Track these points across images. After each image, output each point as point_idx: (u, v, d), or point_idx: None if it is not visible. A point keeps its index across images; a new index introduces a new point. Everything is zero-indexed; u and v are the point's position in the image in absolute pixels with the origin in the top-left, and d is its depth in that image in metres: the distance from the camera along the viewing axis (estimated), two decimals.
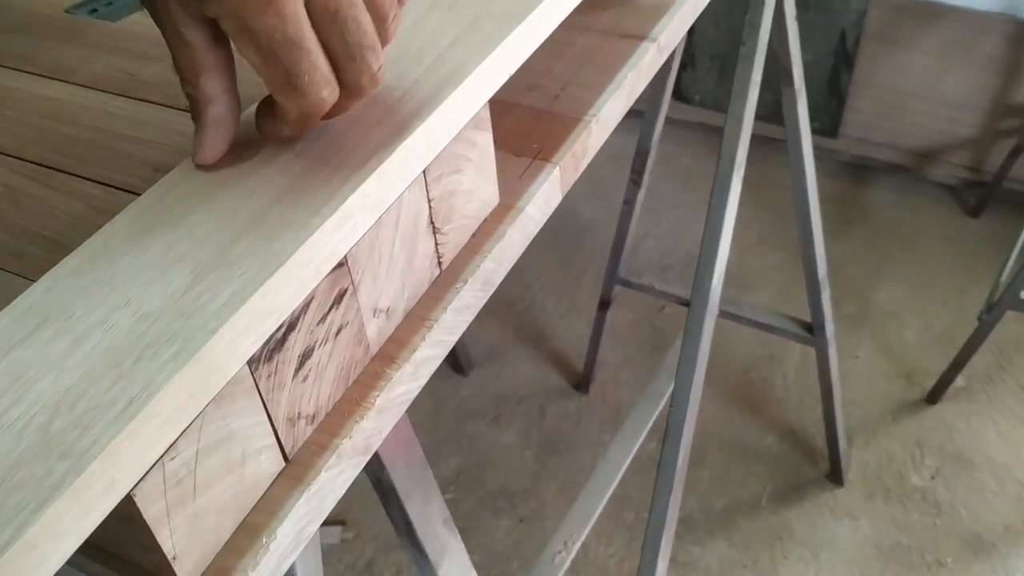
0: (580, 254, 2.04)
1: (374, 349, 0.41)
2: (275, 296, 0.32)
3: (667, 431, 1.00)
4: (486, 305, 0.48)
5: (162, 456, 0.29)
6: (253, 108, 0.39)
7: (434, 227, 0.43)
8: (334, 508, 0.39)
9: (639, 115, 1.22)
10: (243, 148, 0.38)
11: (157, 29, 0.35)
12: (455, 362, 1.78)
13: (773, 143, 1.92)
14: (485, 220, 0.48)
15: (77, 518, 0.26)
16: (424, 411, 1.73)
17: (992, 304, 1.49)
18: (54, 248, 0.41)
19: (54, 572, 0.26)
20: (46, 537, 0.25)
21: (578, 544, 1.09)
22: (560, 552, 1.09)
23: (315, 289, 0.35)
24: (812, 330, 1.32)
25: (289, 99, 0.34)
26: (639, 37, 0.63)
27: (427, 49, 0.42)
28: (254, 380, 0.33)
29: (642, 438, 1.21)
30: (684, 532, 1.49)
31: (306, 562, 0.49)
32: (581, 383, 1.75)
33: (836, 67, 2.05)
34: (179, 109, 0.48)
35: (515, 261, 0.49)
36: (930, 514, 1.48)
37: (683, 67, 2.21)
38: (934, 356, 1.72)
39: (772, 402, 1.69)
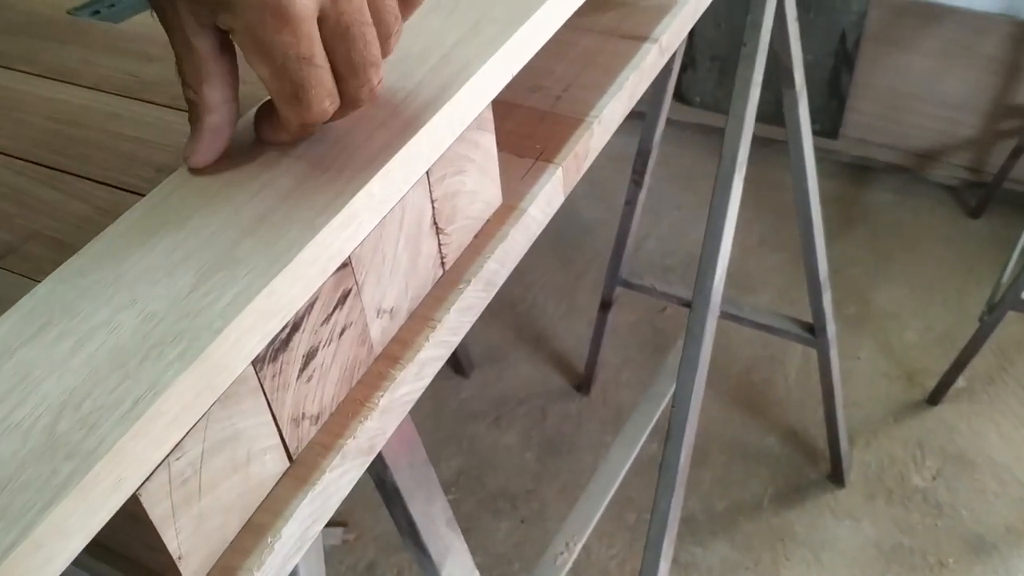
0: (581, 255, 2.04)
1: (378, 349, 0.41)
2: (280, 296, 0.32)
3: (669, 432, 1.00)
4: (487, 306, 0.48)
5: (168, 456, 0.30)
6: (252, 108, 0.39)
7: (437, 228, 0.43)
8: (336, 509, 0.39)
9: (640, 116, 1.22)
10: (247, 149, 0.38)
11: (160, 30, 0.35)
12: (456, 363, 1.78)
13: (774, 144, 1.92)
14: (488, 221, 0.48)
15: (83, 518, 0.26)
16: (425, 412, 1.73)
17: (993, 305, 1.49)
18: (59, 249, 0.41)
19: (60, 572, 0.26)
20: (52, 537, 0.25)
21: (580, 545, 1.09)
22: (562, 553, 1.09)
23: (320, 289, 0.35)
24: (814, 331, 1.32)
25: (293, 111, 0.34)
26: (641, 38, 0.63)
27: (430, 50, 0.42)
28: (259, 380, 0.33)
29: (643, 439, 1.22)
30: (686, 533, 1.49)
31: (309, 563, 0.49)
32: (582, 384, 1.75)
33: (836, 68, 2.05)
34: (182, 110, 0.48)
35: (518, 262, 0.49)
36: (931, 515, 1.48)
37: (683, 68, 2.21)
38: (935, 357, 1.72)
39: (773, 403, 1.69)
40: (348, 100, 0.35)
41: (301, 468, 0.37)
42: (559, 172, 0.51)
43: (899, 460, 1.57)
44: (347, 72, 0.34)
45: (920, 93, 2.00)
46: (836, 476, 1.54)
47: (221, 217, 0.35)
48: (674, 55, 1.16)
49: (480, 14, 0.45)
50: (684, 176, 2.21)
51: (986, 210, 2.02)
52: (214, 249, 0.33)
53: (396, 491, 0.50)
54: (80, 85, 0.52)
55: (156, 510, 0.30)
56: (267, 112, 0.36)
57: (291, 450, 0.37)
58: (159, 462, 0.29)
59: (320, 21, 0.33)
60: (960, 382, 1.63)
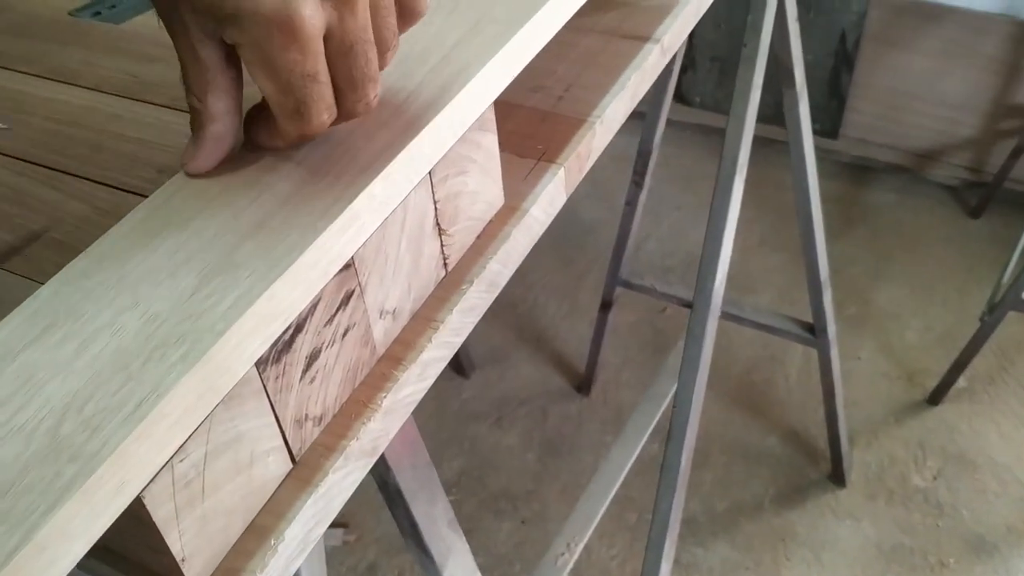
0: (582, 255, 2.04)
1: (380, 350, 0.41)
2: (282, 298, 0.32)
3: (670, 433, 1.00)
4: (488, 306, 0.48)
5: (171, 458, 0.29)
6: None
7: (440, 228, 0.43)
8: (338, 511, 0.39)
9: (640, 117, 1.22)
10: (248, 151, 0.38)
11: (161, 31, 0.35)
12: (457, 364, 1.78)
13: (774, 144, 1.92)
14: (490, 221, 0.48)
15: (87, 521, 0.26)
16: (426, 413, 1.73)
17: (994, 305, 1.49)
18: (60, 249, 0.41)
19: (64, 575, 0.26)
20: (56, 540, 0.25)
21: (581, 546, 1.09)
22: (563, 554, 1.08)
23: (322, 291, 0.35)
24: (814, 331, 1.32)
25: (293, 124, 0.34)
26: (642, 38, 0.63)
27: (431, 51, 0.42)
28: (262, 382, 0.33)
29: (644, 440, 1.21)
30: (687, 533, 1.49)
31: (311, 565, 0.49)
32: (583, 385, 1.75)
33: (836, 68, 2.05)
34: (183, 111, 0.48)
35: (520, 262, 0.49)
36: (932, 515, 1.48)
37: (683, 69, 2.21)
38: (935, 357, 1.72)
39: (774, 403, 1.69)
40: (345, 112, 0.36)
41: (304, 470, 0.37)
42: (561, 172, 0.51)
43: (900, 460, 1.57)
44: (346, 87, 0.35)
45: (920, 93, 2.00)
46: (837, 476, 1.54)
47: (223, 219, 0.35)
48: (674, 56, 1.16)
49: (480, 14, 0.44)
50: (684, 176, 2.21)
51: (986, 210, 2.02)
52: (216, 251, 0.33)
53: (398, 492, 0.50)
54: (81, 86, 0.52)
55: (159, 512, 0.30)
56: (261, 118, 0.36)
57: (294, 452, 0.37)
58: (162, 464, 0.29)
59: (325, 38, 0.33)
60: (961, 382, 1.63)
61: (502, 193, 0.48)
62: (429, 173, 0.41)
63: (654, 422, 1.23)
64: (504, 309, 1.92)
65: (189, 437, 0.30)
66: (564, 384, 1.77)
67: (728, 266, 0.99)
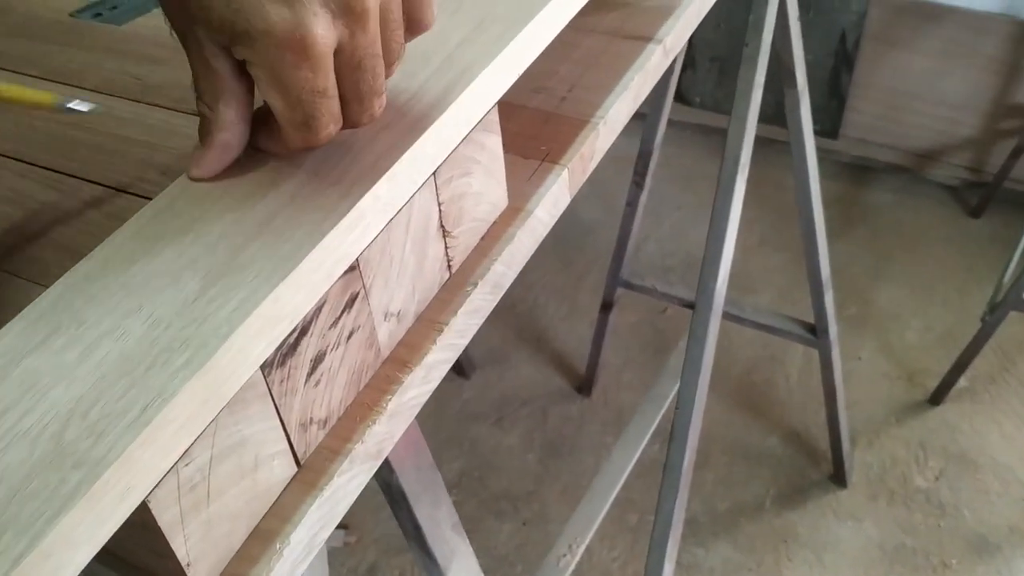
0: (582, 256, 2.04)
1: (385, 353, 0.41)
2: (287, 300, 0.32)
3: (673, 434, 1.00)
4: None
5: (176, 462, 0.29)
6: None
7: (444, 230, 0.43)
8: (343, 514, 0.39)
9: (640, 117, 1.22)
10: (251, 153, 0.37)
11: (163, 33, 0.35)
12: (457, 365, 1.78)
13: (774, 144, 1.92)
14: (494, 223, 0.48)
15: (92, 527, 0.26)
16: (426, 414, 1.72)
17: (995, 305, 1.49)
18: (63, 252, 0.41)
19: None
20: (61, 546, 0.25)
21: (583, 547, 1.09)
22: (565, 555, 1.08)
23: (327, 293, 0.35)
24: (815, 332, 1.32)
25: (299, 135, 0.34)
26: (645, 39, 0.63)
27: (434, 51, 0.42)
28: (267, 385, 0.33)
29: (645, 441, 1.21)
30: (688, 534, 1.49)
31: (312, 566, 0.49)
32: (583, 385, 1.75)
33: (836, 68, 2.05)
34: (186, 113, 0.48)
35: (524, 264, 0.49)
36: (934, 515, 1.48)
37: (683, 69, 2.21)
38: (936, 357, 1.72)
39: (775, 404, 1.68)
40: (349, 123, 0.36)
41: (309, 473, 0.36)
42: (565, 173, 0.51)
43: (901, 461, 1.57)
44: (353, 99, 0.35)
45: (920, 93, 2.00)
46: (838, 477, 1.54)
47: (227, 221, 0.34)
48: (675, 56, 1.15)
49: (484, 14, 0.44)
50: (684, 177, 2.21)
51: (986, 210, 2.02)
52: (219, 254, 0.33)
53: (402, 495, 0.50)
54: (84, 88, 0.52)
55: (165, 517, 0.30)
56: (266, 124, 0.36)
57: (299, 455, 0.36)
58: (168, 469, 0.29)
59: (334, 53, 0.33)
60: (962, 382, 1.63)
61: (506, 194, 0.48)
62: (433, 174, 0.40)
63: (655, 423, 1.23)
64: (504, 310, 1.91)
65: (194, 442, 0.30)
66: (564, 385, 1.77)
67: (730, 266, 0.99)
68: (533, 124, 0.55)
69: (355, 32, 0.33)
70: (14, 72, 0.54)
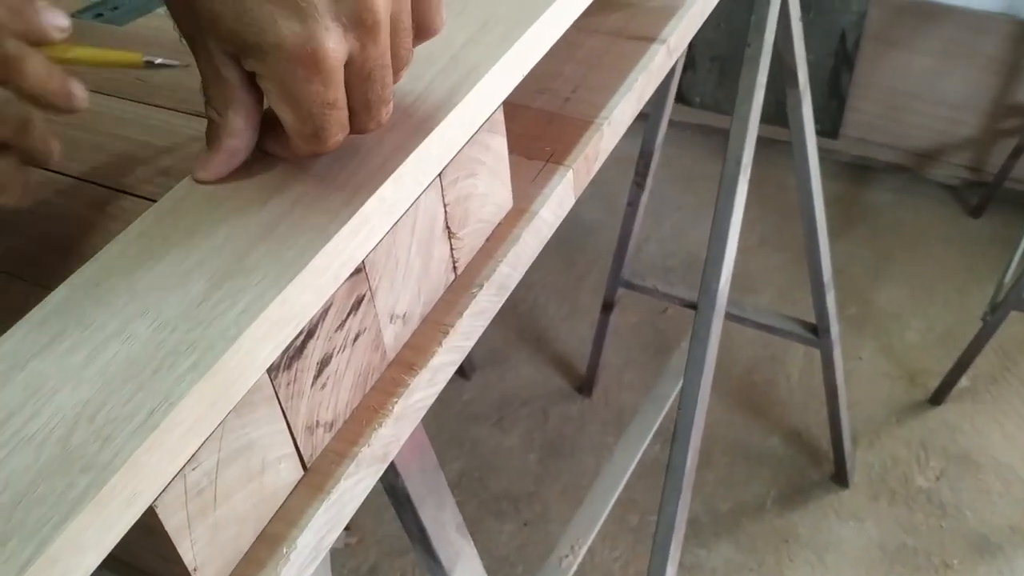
0: (582, 256, 2.04)
1: (391, 355, 0.41)
2: (293, 303, 0.32)
3: (675, 434, 1.00)
4: None
5: (183, 467, 0.29)
6: None
7: (449, 231, 0.43)
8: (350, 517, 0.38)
9: (642, 117, 1.22)
10: (257, 155, 0.37)
11: (164, 32, 0.35)
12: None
13: (774, 144, 1.92)
14: (499, 224, 0.48)
15: (99, 532, 0.26)
16: (427, 415, 1.71)
17: (996, 305, 1.48)
18: (65, 254, 0.40)
19: None
20: (68, 552, 0.25)
21: (585, 548, 1.08)
22: (567, 556, 1.08)
23: (333, 296, 0.35)
24: (817, 332, 1.32)
25: (308, 145, 0.34)
26: (648, 39, 0.62)
27: (440, 52, 0.42)
28: (274, 388, 0.33)
29: (647, 442, 1.21)
30: (690, 535, 1.49)
31: (316, 568, 0.49)
32: (584, 386, 1.74)
33: (836, 68, 2.05)
34: (189, 113, 0.48)
35: (529, 265, 0.49)
36: (935, 516, 1.48)
37: (683, 69, 2.20)
38: (937, 357, 1.71)
39: (776, 404, 1.68)
40: (356, 130, 0.36)
41: (316, 476, 0.36)
42: (570, 174, 0.51)
43: (902, 461, 1.57)
44: (361, 108, 0.35)
45: (920, 92, 2.00)
46: (839, 477, 1.54)
47: (232, 223, 0.34)
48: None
49: (488, 14, 0.44)
50: (684, 177, 2.20)
51: (987, 209, 2.01)
52: (226, 257, 0.33)
53: (407, 498, 0.50)
54: (85, 88, 0.51)
55: (172, 521, 0.29)
56: (273, 129, 0.36)
57: (305, 458, 0.36)
58: (175, 473, 0.28)
59: (347, 66, 0.33)
60: (963, 382, 1.63)
61: (511, 195, 0.48)
62: (439, 176, 0.40)
63: (657, 424, 1.23)
64: (505, 310, 1.91)
65: (201, 445, 0.29)
66: (565, 385, 1.76)
67: (733, 267, 0.99)
68: (537, 125, 0.55)
69: (366, 44, 0.32)
70: None
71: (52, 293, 0.32)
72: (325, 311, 0.35)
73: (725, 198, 0.96)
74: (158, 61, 0.38)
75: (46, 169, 0.45)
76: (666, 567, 0.99)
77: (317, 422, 0.36)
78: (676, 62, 1.23)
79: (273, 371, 0.33)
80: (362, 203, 0.34)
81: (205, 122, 0.36)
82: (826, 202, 1.21)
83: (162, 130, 0.48)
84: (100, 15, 0.60)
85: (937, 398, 1.64)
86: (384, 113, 0.35)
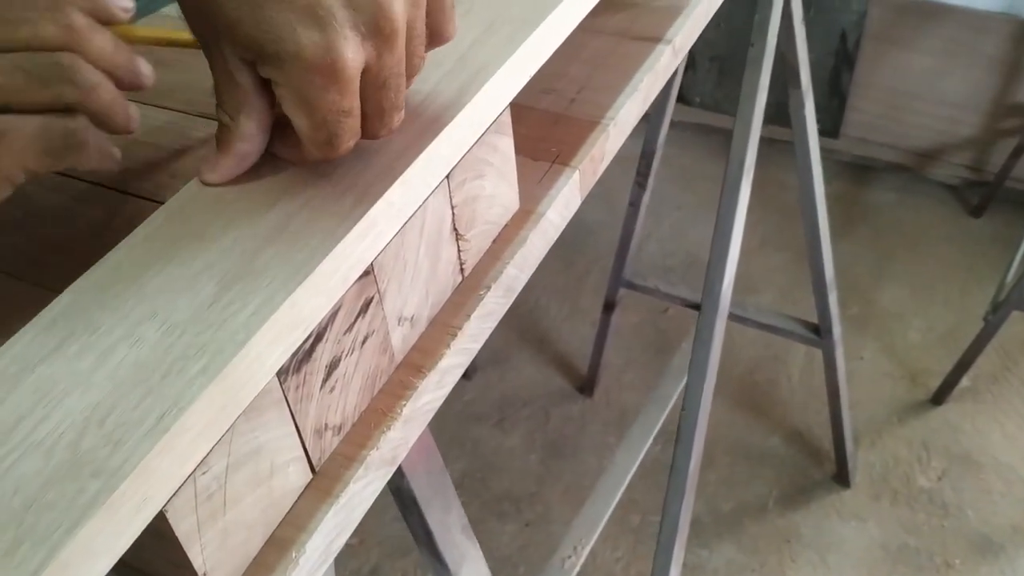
0: (583, 257, 2.04)
1: (399, 358, 0.40)
2: (303, 306, 0.32)
3: (678, 436, 1.00)
4: None
5: (193, 471, 0.29)
6: None
7: (457, 233, 0.42)
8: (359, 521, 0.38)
9: (644, 117, 1.21)
10: (265, 156, 0.37)
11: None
12: None
13: (775, 144, 1.92)
14: (506, 225, 0.47)
15: (110, 537, 0.26)
16: None
17: (998, 304, 1.48)
18: (71, 256, 0.40)
19: None
20: (80, 558, 0.25)
21: (588, 549, 1.08)
22: (570, 557, 1.08)
23: (342, 298, 0.35)
24: (819, 332, 1.32)
25: (320, 151, 0.34)
26: (654, 39, 0.62)
27: (447, 53, 0.42)
28: (283, 392, 0.33)
29: (649, 442, 1.21)
30: (691, 535, 1.49)
31: None
32: (585, 386, 1.74)
33: (837, 67, 2.05)
34: (195, 115, 0.48)
35: (536, 267, 0.49)
36: (937, 515, 1.48)
37: (683, 69, 2.21)
38: (938, 357, 1.71)
39: (777, 404, 1.68)
40: (367, 135, 0.36)
41: (324, 480, 0.36)
42: (576, 175, 0.51)
43: (904, 460, 1.57)
44: (374, 115, 0.35)
45: (921, 92, 2.00)
46: (841, 477, 1.54)
47: (240, 226, 0.34)
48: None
49: (495, 15, 0.44)
50: (684, 176, 2.20)
51: (987, 209, 2.02)
52: (234, 259, 0.33)
53: (413, 500, 0.49)
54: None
55: (182, 526, 0.29)
56: (284, 134, 0.36)
57: (314, 462, 0.36)
58: (185, 478, 0.28)
59: (363, 74, 0.33)
60: (964, 382, 1.63)
61: (517, 197, 0.48)
62: (447, 177, 0.40)
63: (659, 424, 1.23)
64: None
65: (211, 450, 0.29)
66: (566, 385, 1.76)
67: (737, 268, 0.98)
68: (543, 126, 0.55)
69: (383, 53, 0.32)
70: None
71: (59, 296, 0.32)
72: (334, 314, 0.35)
73: (728, 198, 0.96)
74: None
75: (57, 172, 0.45)
76: (670, 568, 0.99)
77: (325, 425, 0.36)
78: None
79: (282, 374, 0.33)
80: (371, 205, 0.34)
81: (214, 124, 0.35)
82: (827, 202, 1.21)
83: (169, 132, 0.47)
84: None
85: (938, 398, 1.64)
86: (396, 120, 0.35)
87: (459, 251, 0.43)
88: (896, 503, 1.50)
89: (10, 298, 0.39)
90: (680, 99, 2.26)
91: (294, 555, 0.34)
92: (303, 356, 0.33)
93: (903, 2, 1.92)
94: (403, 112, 0.36)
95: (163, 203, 0.36)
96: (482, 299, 0.43)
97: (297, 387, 0.34)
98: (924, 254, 1.95)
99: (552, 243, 0.50)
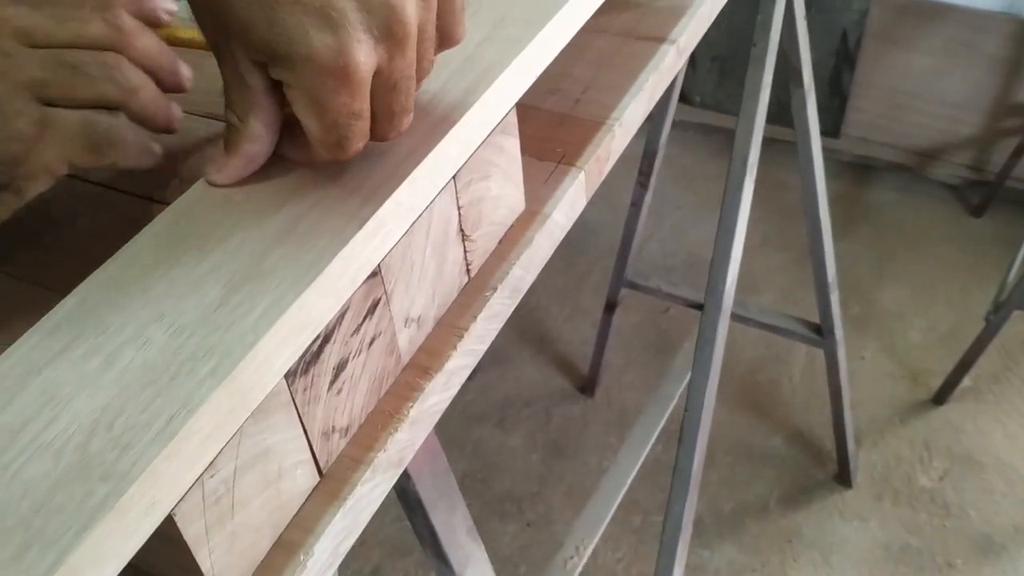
0: (584, 257, 2.03)
1: (405, 359, 0.40)
2: (311, 308, 0.31)
3: (682, 436, 1.00)
4: None
5: (202, 474, 0.29)
6: None
7: (463, 234, 0.42)
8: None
9: (647, 118, 1.21)
10: (272, 157, 0.37)
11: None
12: None
13: (775, 143, 1.91)
14: (512, 226, 0.47)
15: (119, 541, 0.25)
16: None
17: (999, 304, 1.48)
18: (81, 260, 0.40)
19: None
20: (89, 562, 0.25)
21: (590, 549, 1.08)
22: (572, 557, 1.08)
23: (350, 299, 0.35)
24: (821, 332, 1.32)
25: (330, 153, 0.34)
26: (658, 39, 0.62)
27: (454, 53, 0.42)
28: (291, 394, 0.33)
29: (651, 442, 1.21)
30: (693, 535, 1.48)
31: None
32: (586, 386, 1.74)
33: (838, 67, 2.04)
34: (201, 116, 0.48)
35: (541, 268, 0.49)
36: (939, 515, 1.48)
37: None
38: (939, 357, 1.71)
39: (779, 404, 1.68)
40: (376, 137, 0.36)
41: (331, 483, 0.36)
42: (581, 176, 0.51)
43: (906, 460, 1.56)
44: (384, 117, 0.34)
45: (922, 92, 2.00)
46: (843, 477, 1.53)
47: (247, 227, 0.34)
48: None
49: (502, 14, 0.44)
50: (685, 176, 2.20)
51: (988, 209, 2.01)
52: (241, 261, 0.32)
53: (418, 502, 0.49)
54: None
55: (190, 530, 0.29)
56: (293, 135, 0.36)
57: (321, 464, 0.36)
58: (193, 481, 0.28)
59: (374, 77, 0.33)
60: (966, 382, 1.63)
61: (523, 198, 0.48)
62: (453, 178, 0.40)
63: (661, 425, 1.22)
64: None
65: (219, 452, 0.29)
66: (567, 385, 1.76)
67: (739, 268, 0.98)
68: (548, 126, 0.55)
69: (394, 56, 0.32)
70: None
71: (66, 298, 0.32)
72: (342, 315, 0.35)
73: (731, 198, 0.96)
74: None
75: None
76: (673, 569, 0.99)
77: (333, 427, 0.36)
78: None
79: (290, 376, 0.32)
80: (380, 205, 0.34)
81: (218, 125, 0.35)
82: (828, 202, 1.20)
83: (176, 133, 0.47)
84: None
85: (940, 398, 1.64)
86: (406, 122, 0.35)
87: (465, 252, 0.43)
88: (898, 503, 1.50)
89: (14, 299, 0.39)
90: (681, 99, 2.25)
91: (302, 558, 0.33)
92: (311, 358, 0.33)
93: (904, 2, 1.92)
94: (412, 114, 0.36)
95: (167, 204, 0.36)
96: (488, 300, 0.43)
97: (305, 389, 0.33)
98: (925, 254, 1.95)
99: (558, 244, 0.50)
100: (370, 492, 0.37)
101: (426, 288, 0.40)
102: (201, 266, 0.32)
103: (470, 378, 1.55)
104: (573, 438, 1.67)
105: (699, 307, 0.99)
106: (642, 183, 1.34)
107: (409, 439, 0.39)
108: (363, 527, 0.37)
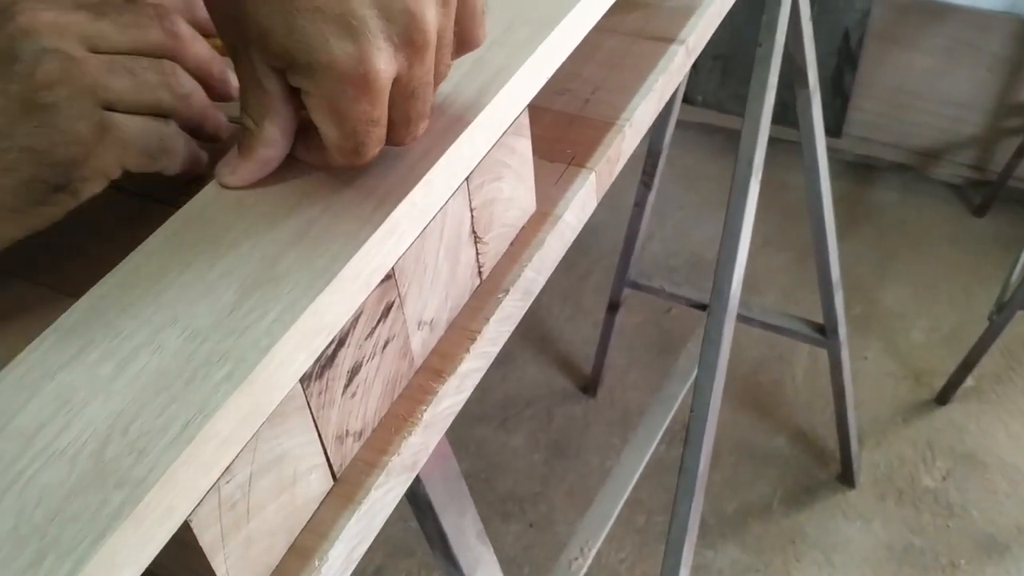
0: (585, 257, 2.03)
1: (418, 362, 0.40)
2: (326, 311, 0.31)
3: (687, 437, 0.99)
4: None
5: (218, 480, 0.28)
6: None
7: (476, 236, 0.42)
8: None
9: None
10: (284, 161, 0.36)
11: None
12: None
13: (776, 143, 1.91)
14: (523, 228, 0.47)
15: (135, 549, 0.25)
16: None
17: (1002, 304, 1.48)
18: (91, 263, 0.39)
19: None
20: (104, 571, 0.24)
21: (594, 550, 1.08)
22: (576, 558, 1.07)
23: (364, 303, 0.34)
24: (825, 332, 1.31)
25: (346, 158, 0.34)
26: (667, 39, 0.62)
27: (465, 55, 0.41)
28: (306, 398, 0.32)
29: (655, 442, 1.20)
30: (696, 535, 1.48)
31: None
32: (588, 386, 1.74)
33: (840, 67, 2.04)
34: None
35: (552, 269, 0.48)
36: (942, 516, 1.48)
37: None
38: (941, 357, 1.71)
39: (781, 404, 1.68)
40: (392, 142, 0.35)
41: (345, 487, 0.36)
42: (592, 177, 0.50)
43: (909, 460, 1.56)
44: (400, 123, 0.34)
45: (924, 91, 2.00)
46: (846, 477, 1.53)
47: (260, 230, 0.33)
48: None
49: (513, 16, 0.43)
50: (687, 176, 2.20)
51: (991, 208, 2.01)
52: (255, 264, 0.32)
53: (428, 505, 0.49)
54: None
55: (206, 536, 0.29)
56: (308, 140, 0.36)
57: (335, 469, 0.35)
58: (209, 487, 0.28)
59: (393, 84, 0.33)
60: (968, 382, 1.63)
61: (534, 199, 0.47)
62: (466, 179, 0.40)
63: (665, 425, 1.22)
64: None
65: (235, 457, 0.29)
66: (570, 385, 1.76)
67: (744, 269, 0.98)
68: (557, 126, 0.54)
69: (414, 63, 0.32)
70: None
71: (78, 302, 0.31)
72: (356, 319, 0.34)
73: (737, 199, 0.96)
74: None
75: None
76: (679, 569, 0.99)
77: (347, 431, 0.36)
78: None
79: (305, 380, 0.32)
80: (393, 207, 0.34)
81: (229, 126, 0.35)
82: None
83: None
84: None
85: (943, 398, 1.64)
86: (422, 127, 0.35)
87: (477, 254, 0.43)
88: (901, 503, 1.50)
89: (26, 302, 0.39)
90: (683, 99, 2.25)
91: (316, 563, 0.33)
92: (325, 362, 0.33)
93: (906, 1, 1.92)
94: (428, 120, 0.35)
95: (177, 207, 0.35)
96: (500, 302, 0.43)
97: (319, 393, 0.33)
98: (927, 254, 1.95)
99: (568, 245, 0.49)
100: (384, 496, 0.36)
101: (439, 291, 0.40)
102: (214, 270, 0.32)
103: None
104: (575, 438, 1.67)
105: (702, 307, 0.99)
106: (646, 183, 1.34)
107: (423, 442, 0.38)
108: (376, 532, 0.36)
